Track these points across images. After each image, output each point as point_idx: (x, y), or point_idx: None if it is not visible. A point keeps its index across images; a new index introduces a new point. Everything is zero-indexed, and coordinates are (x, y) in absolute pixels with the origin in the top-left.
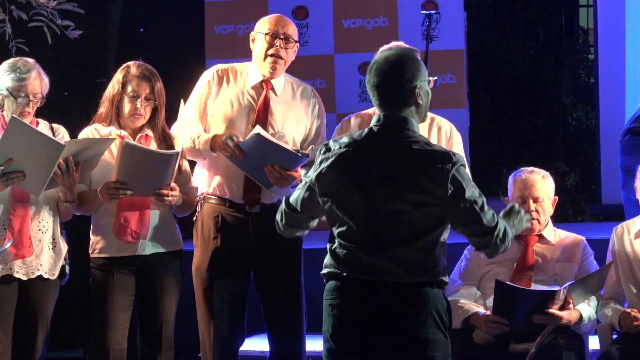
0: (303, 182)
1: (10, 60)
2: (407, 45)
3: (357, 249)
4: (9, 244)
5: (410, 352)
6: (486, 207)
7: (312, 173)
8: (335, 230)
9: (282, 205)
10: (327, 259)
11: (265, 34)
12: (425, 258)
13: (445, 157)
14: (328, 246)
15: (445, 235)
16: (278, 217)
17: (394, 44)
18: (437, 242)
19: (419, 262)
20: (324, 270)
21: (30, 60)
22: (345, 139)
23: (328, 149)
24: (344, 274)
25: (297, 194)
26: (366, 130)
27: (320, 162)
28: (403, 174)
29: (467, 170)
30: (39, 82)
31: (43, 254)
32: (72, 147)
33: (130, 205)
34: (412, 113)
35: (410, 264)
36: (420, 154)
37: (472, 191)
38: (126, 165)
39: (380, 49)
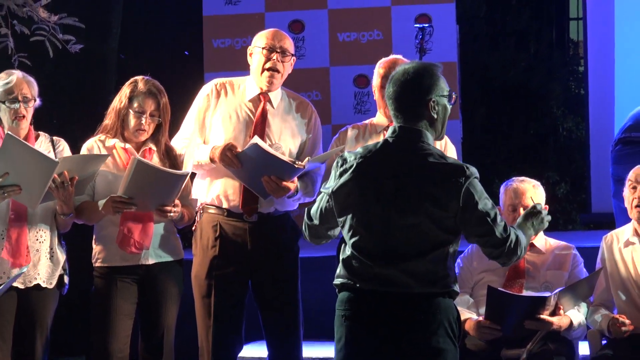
0: (321, 194)
1: None
2: (404, 59)
3: (370, 260)
4: (25, 269)
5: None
6: (499, 218)
7: (330, 184)
8: (349, 241)
9: (305, 217)
10: (340, 270)
11: (263, 48)
12: (438, 269)
13: (459, 170)
14: (340, 256)
15: (456, 246)
16: (303, 227)
17: (391, 57)
18: (449, 253)
19: (432, 274)
20: (337, 281)
21: (13, 70)
22: (360, 150)
23: (345, 161)
24: (357, 285)
25: (315, 206)
26: (381, 141)
27: (337, 174)
28: (417, 186)
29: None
30: (25, 84)
31: (40, 263)
32: (66, 163)
33: (133, 217)
34: (426, 126)
35: (423, 275)
36: (434, 166)
37: (484, 203)
38: (135, 181)
39: (379, 62)
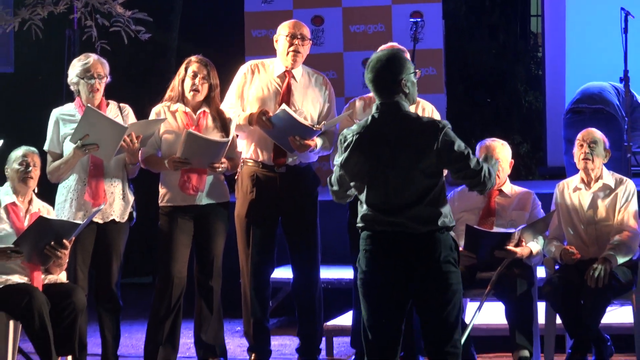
0: (335, 166)
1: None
2: (398, 46)
3: (379, 212)
4: (102, 207)
5: (429, 282)
6: (472, 155)
7: (338, 159)
8: (363, 199)
9: (328, 186)
10: (359, 217)
11: (287, 36)
12: (434, 211)
13: (434, 124)
14: (358, 209)
15: (443, 187)
16: (330, 192)
17: (389, 44)
18: (440, 194)
19: (429, 216)
20: (359, 224)
21: (90, 53)
22: (355, 127)
23: (345, 139)
24: (373, 228)
25: (334, 176)
26: (369, 117)
27: (343, 149)
28: (408, 145)
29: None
30: (99, 65)
31: (115, 202)
32: (133, 127)
33: (191, 167)
34: (402, 98)
35: (423, 217)
36: (414, 127)
37: (458, 145)
38: (187, 147)
39: (379, 48)
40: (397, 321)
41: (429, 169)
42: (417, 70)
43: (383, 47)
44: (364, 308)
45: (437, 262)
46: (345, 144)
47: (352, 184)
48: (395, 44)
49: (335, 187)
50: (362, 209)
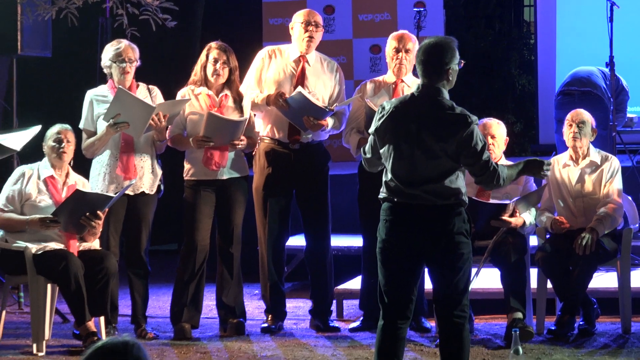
0: (370, 133)
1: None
2: (408, 33)
3: (402, 184)
4: (133, 181)
5: (443, 250)
6: (485, 154)
7: (373, 126)
8: (388, 167)
9: (362, 154)
10: (383, 188)
11: (301, 23)
12: (451, 188)
13: (464, 118)
14: (383, 178)
15: (462, 170)
16: (362, 162)
17: (400, 32)
18: (458, 175)
19: (446, 192)
20: (381, 195)
21: (122, 39)
22: (394, 100)
23: (383, 108)
24: (394, 199)
25: (367, 145)
26: (409, 94)
27: (379, 119)
28: (434, 128)
29: (477, 127)
30: (130, 50)
31: (144, 176)
32: (160, 107)
33: (214, 145)
34: (443, 85)
35: (440, 193)
36: (446, 115)
37: (476, 142)
38: (209, 127)
39: (392, 34)
40: (411, 286)
41: (451, 153)
42: (462, 61)
43: (393, 34)
44: (381, 273)
45: (451, 233)
46: (381, 113)
47: (381, 150)
48: (405, 31)
49: (368, 155)
50: (387, 177)
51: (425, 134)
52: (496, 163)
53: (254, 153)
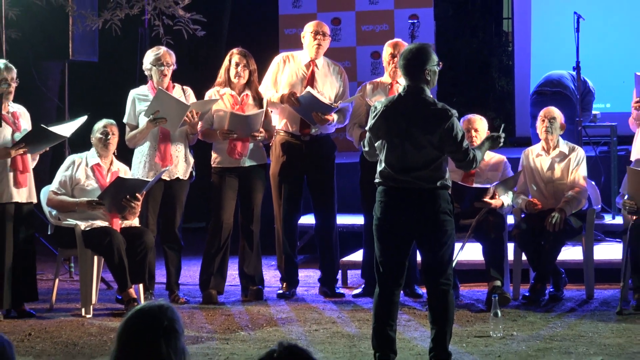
0: (367, 130)
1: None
2: (402, 41)
3: (394, 171)
4: (169, 167)
5: (430, 227)
6: (465, 143)
7: (368, 125)
8: (382, 158)
9: (362, 148)
10: (377, 174)
11: (311, 32)
12: (436, 174)
13: (445, 112)
14: (378, 167)
15: (446, 157)
16: (363, 153)
17: (395, 40)
18: (442, 162)
19: (432, 177)
20: (376, 180)
21: (160, 46)
22: (384, 100)
23: (376, 108)
24: (388, 184)
25: (365, 140)
26: (396, 95)
27: (372, 116)
28: (421, 123)
29: (456, 119)
30: (168, 55)
31: (179, 164)
32: (193, 105)
33: (237, 137)
34: (424, 84)
35: (427, 178)
36: (430, 110)
37: (456, 132)
38: (232, 123)
39: (388, 42)
40: (403, 257)
41: (435, 144)
42: (440, 63)
43: (389, 42)
44: (377, 247)
45: (437, 213)
46: (375, 112)
47: (376, 144)
48: (399, 40)
49: (366, 148)
50: (380, 166)
51: (413, 128)
52: (472, 148)
53: (270, 144)
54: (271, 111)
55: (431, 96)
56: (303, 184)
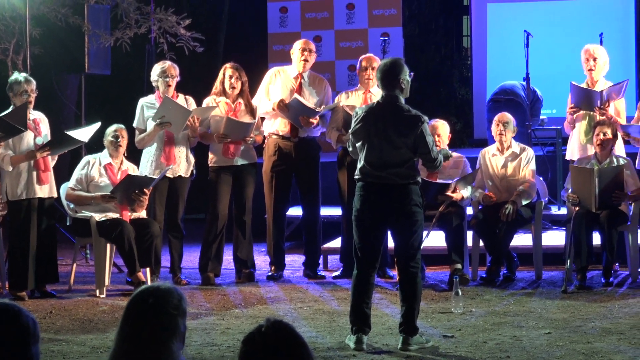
0: (350, 133)
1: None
2: (374, 57)
3: (372, 168)
4: (172, 166)
5: (403, 217)
6: (434, 148)
7: (351, 129)
8: (362, 156)
9: (348, 149)
10: (357, 171)
11: (299, 49)
12: (409, 171)
13: (418, 118)
14: (358, 164)
15: (417, 157)
16: (349, 152)
17: (368, 55)
18: (414, 162)
19: (405, 174)
20: (356, 176)
21: (165, 60)
22: (365, 107)
23: (357, 114)
24: (366, 180)
25: (350, 142)
26: (375, 102)
27: (354, 122)
28: (396, 127)
29: (427, 125)
30: (172, 68)
31: (181, 163)
32: (194, 111)
33: (231, 140)
34: (400, 93)
35: (401, 175)
36: (404, 116)
37: (428, 138)
38: (227, 126)
39: (362, 57)
40: (378, 244)
41: (410, 145)
42: (411, 73)
43: (363, 56)
44: (356, 234)
45: (408, 205)
46: (356, 118)
47: (357, 145)
48: (371, 54)
49: (350, 148)
50: (360, 164)
51: (390, 131)
52: (438, 151)
53: (264, 145)
54: (262, 118)
55: (405, 104)
56: (292, 180)
